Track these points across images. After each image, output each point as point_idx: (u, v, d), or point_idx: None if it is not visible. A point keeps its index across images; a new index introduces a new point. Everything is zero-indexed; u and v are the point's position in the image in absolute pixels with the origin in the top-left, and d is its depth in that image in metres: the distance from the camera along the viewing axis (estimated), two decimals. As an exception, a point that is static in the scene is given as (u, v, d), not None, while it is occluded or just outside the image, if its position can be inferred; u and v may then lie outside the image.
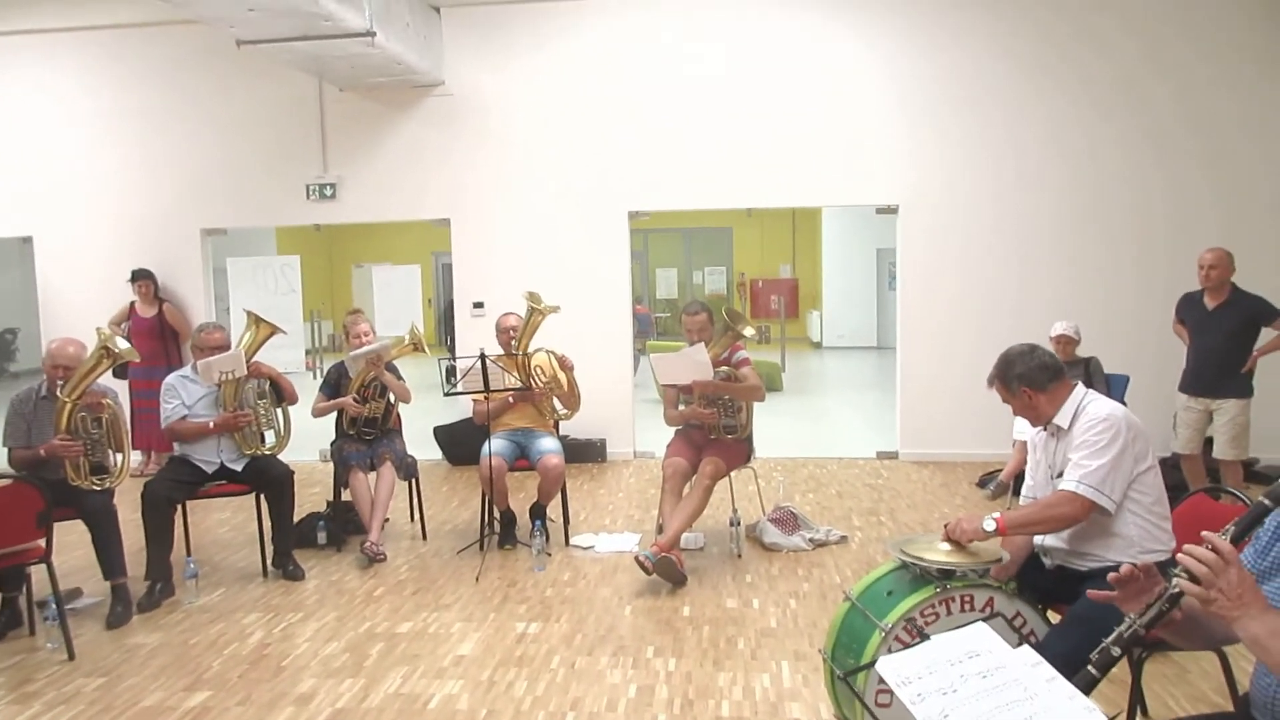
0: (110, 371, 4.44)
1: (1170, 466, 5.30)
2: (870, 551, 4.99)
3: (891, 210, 7.21)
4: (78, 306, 7.50)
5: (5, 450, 4.27)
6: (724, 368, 4.81)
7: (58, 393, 4.18)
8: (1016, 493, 5.70)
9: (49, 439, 4.13)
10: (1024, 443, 5.51)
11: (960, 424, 7.08)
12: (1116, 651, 1.67)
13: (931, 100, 7.02)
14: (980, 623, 1.72)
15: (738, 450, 4.88)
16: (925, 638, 1.67)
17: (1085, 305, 6.71)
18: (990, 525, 2.66)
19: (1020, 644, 1.77)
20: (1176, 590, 1.62)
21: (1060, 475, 2.73)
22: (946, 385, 7.08)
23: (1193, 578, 1.57)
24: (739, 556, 4.90)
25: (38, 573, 3.96)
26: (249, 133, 7.59)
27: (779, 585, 4.48)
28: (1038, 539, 2.84)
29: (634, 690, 3.39)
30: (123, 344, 4.25)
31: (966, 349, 6.98)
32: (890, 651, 2.25)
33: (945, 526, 2.73)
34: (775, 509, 5.29)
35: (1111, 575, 1.74)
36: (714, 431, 4.83)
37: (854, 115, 7.09)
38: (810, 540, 5.07)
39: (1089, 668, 1.67)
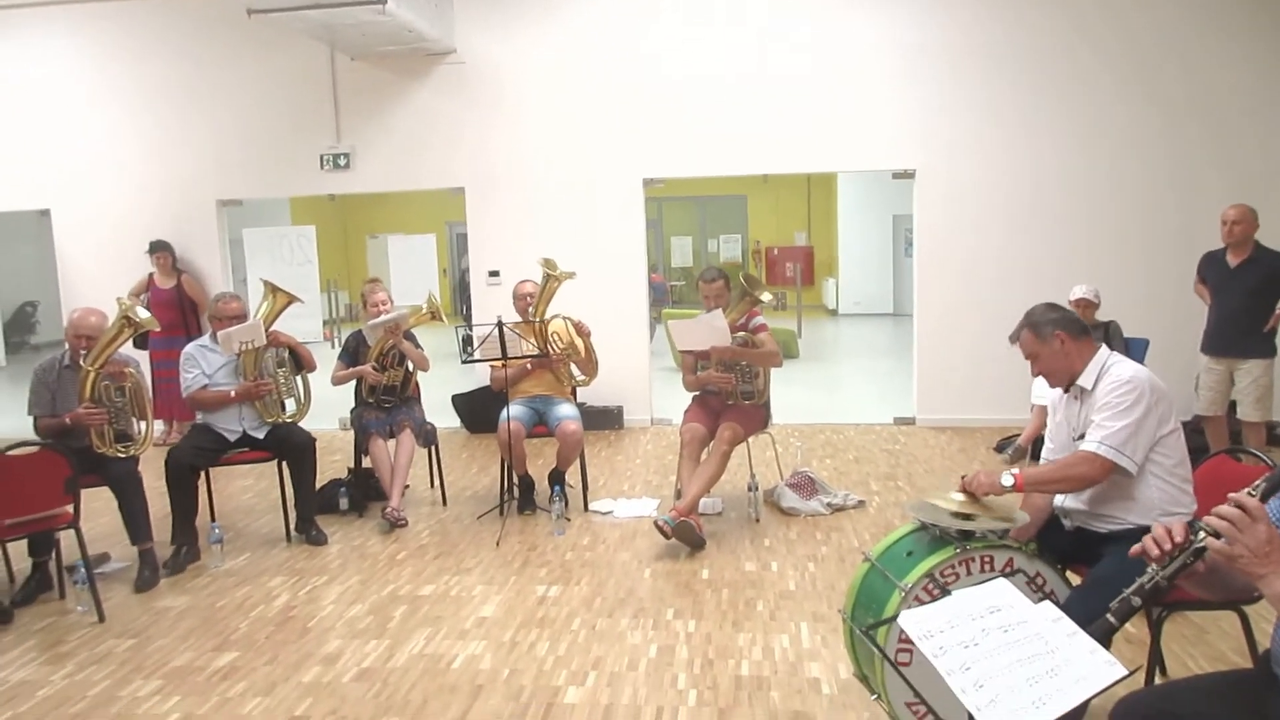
0: (131, 342, 4.49)
1: (1192, 430, 5.27)
2: (888, 515, 5.00)
3: (908, 175, 7.14)
4: (96, 278, 7.56)
5: (31, 420, 4.33)
6: (741, 333, 4.81)
7: (81, 362, 4.23)
8: (1035, 456, 5.72)
9: (73, 408, 4.18)
10: (1043, 407, 5.51)
11: (977, 389, 7.06)
12: (1137, 601, 1.67)
13: (949, 63, 6.92)
14: (1001, 579, 1.73)
15: (755, 416, 4.88)
16: (947, 593, 1.68)
17: (1103, 268, 6.65)
18: (1008, 481, 2.66)
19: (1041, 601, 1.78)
20: (1201, 544, 1.62)
21: (1082, 437, 2.72)
22: (963, 350, 7.05)
23: (1218, 534, 1.57)
24: (757, 521, 4.93)
25: (66, 538, 4.04)
26: (262, 103, 7.58)
27: (797, 549, 4.51)
28: (1057, 500, 2.85)
29: (654, 650, 3.44)
30: (143, 313, 4.29)
31: (983, 313, 6.94)
32: (895, 614, 2.27)
33: (963, 479, 2.74)
34: (793, 474, 5.31)
35: (1134, 549, 1.73)
36: (731, 397, 4.84)
37: (870, 79, 7.00)
38: (828, 505, 5.08)
39: (1108, 615, 1.67)
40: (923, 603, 2.46)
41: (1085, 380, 2.77)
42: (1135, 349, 5.74)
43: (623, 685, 3.18)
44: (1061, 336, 2.78)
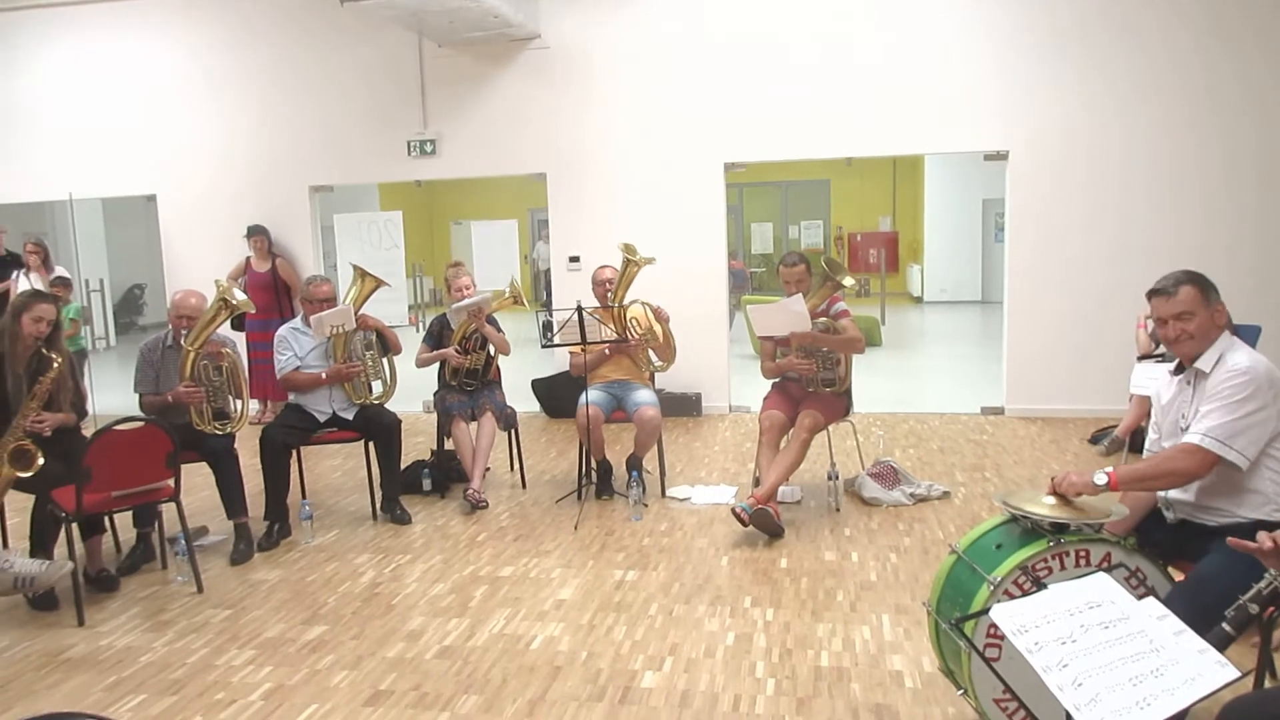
0: (228, 323, 4.66)
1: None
2: (975, 507, 4.86)
3: (1001, 157, 6.90)
4: (198, 262, 7.86)
5: (137, 396, 4.53)
6: (822, 319, 4.71)
7: (182, 342, 4.41)
8: (1134, 449, 5.47)
9: (175, 386, 4.36)
10: (1143, 397, 5.27)
11: (1072, 378, 6.80)
12: (1254, 609, 1.58)
13: (1043, 40, 6.64)
14: (1101, 573, 1.65)
15: (836, 404, 4.79)
16: (1042, 587, 1.61)
17: (1208, 253, 6.30)
18: (1102, 479, 2.52)
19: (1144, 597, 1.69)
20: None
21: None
22: (1057, 338, 6.80)
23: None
24: (837, 510, 4.85)
25: (168, 511, 4.22)
26: (353, 91, 7.75)
27: (879, 539, 4.42)
28: (1160, 492, 2.70)
29: (732, 638, 3.41)
30: (240, 295, 4.45)
31: (1080, 301, 6.69)
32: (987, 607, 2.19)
33: (1052, 479, 2.62)
34: (875, 463, 5.20)
35: (1245, 545, 1.63)
36: (812, 384, 4.75)
37: (960, 57, 6.78)
38: (911, 495, 4.97)
39: (1224, 625, 1.58)
40: (1013, 597, 2.38)
41: (1204, 363, 2.59)
42: (1246, 336, 5.41)
43: (700, 672, 3.17)
44: (1222, 310, 2.61)
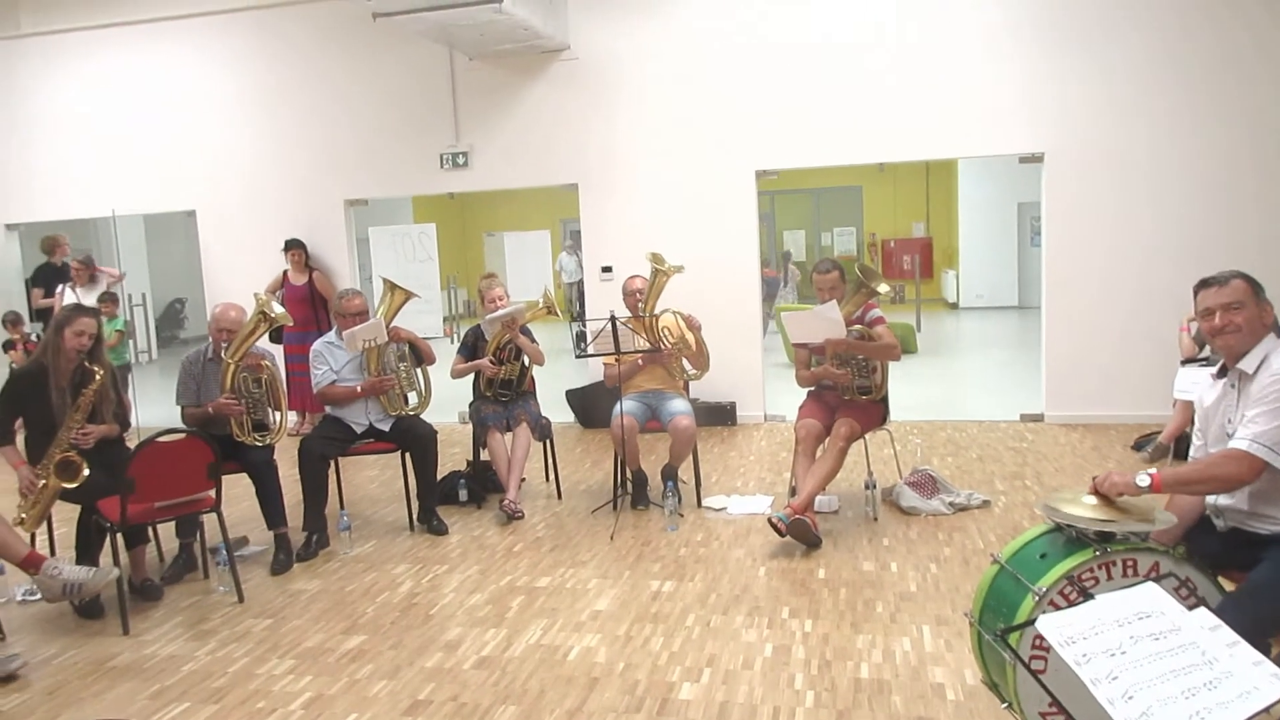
0: (267, 336, 4.72)
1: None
2: (1016, 516, 4.78)
3: (1036, 159, 6.81)
4: (237, 275, 7.99)
5: (179, 408, 4.61)
6: (857, 326, 4.68)
7: (222, 354, 4.47)
8: (1179, 455, 5.36)
9: (216, 398, 4.43)
10: (1187, 402, 5.16)
11: (1113, 384, 6.68)
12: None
13: (1079, 38, 6.54)
14: (1150, 583, 1.61)
15: (872, 412, 4.75)
16: (1089, 597, 1.57)
17: (1250, 254, 6.13)
18: (1144, 481, 2.46)
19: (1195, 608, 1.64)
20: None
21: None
22: (1097, 343, 6.68)
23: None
24: (875, 520, 4.80)
25: (209, 521, 4.28)
26: (386, 105, 7.84)
27: (918, 549, 4.36)
28: (1210, 499, 2.64)
29: (770, 650, 3.38)
30: (278, 308, 4.51)
31: (1120, 304, 6.57)
32: (1033, 619, 2.15)
33: (1094, 479, 2.56)
34: (913, 472, 5.14)
35: None
36: (847, 392, 4.71)
37: (994, 59, 6.70)
38: (950, 504, 4.90)
39: None
40: (1059, 608, 2.33)
41: (1248, 364, 2.53)
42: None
43: (738, 683, 3.14)
44: (1270, 310, 2.56)
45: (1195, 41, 6.36)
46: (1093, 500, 2.52)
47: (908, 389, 7.83)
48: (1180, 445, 5.38)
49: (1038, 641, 2.27)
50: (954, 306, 16.31)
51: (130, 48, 8.29)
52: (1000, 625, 2.47)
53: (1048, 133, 6.67)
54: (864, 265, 4.88)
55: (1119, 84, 6.51)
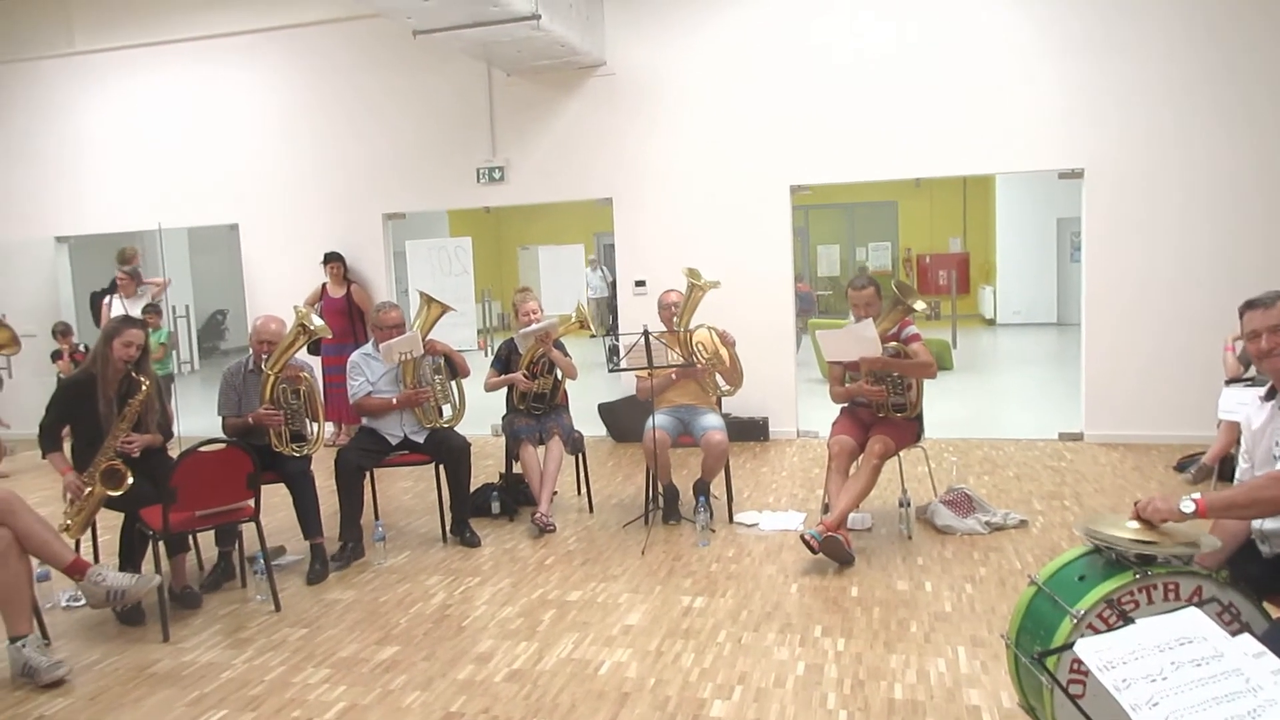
0: (305, 348, 4.80)
1: None
2: (1054, 537, 4.71)
3: (1076, 174, 6.73)
4: (277, 288, 8.13)
5: (220, 419, 4.69)
6: (893, 343, 4.64)
7: (263, 366, 4.55)
8: (1223, 477, 5.25)
9: (256, 408, 4.50)
10: (1232, 423, 5.06)
11: (1155, 403, 6.56)
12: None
13: (1119, 50, 6.47)
14: (1192, 607, 1.58)
15: (907, 429, 4.71)
16: (1129, 621, 1.55)
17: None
18: (1189, 506, 2.41)
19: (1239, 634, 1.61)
20: None
21: (1285, 456, 2.46)
22: (1138, 361, 6.58)
23: None
24: (909, 538, 4.75)
25: (248, 530, 4.35)
26: (425, 121, 7.96)
27: (953, 569, 4.31)
28: (1255, 523, 2.58)
29: (802, 668, 3.36)
30: (317, 321, 4.58)
31: (1161, 322, 6.47)
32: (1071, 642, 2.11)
33: (1135, 504, 2.52)
34: (948, 490, 5.09)
35: None
36: (882, 410, 4.68)
37: (1032, 71, 6.65)
38: (986, 523, 4.84)
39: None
40: (1098, 631, 2.30)
41: None
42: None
43: (770, 701, 3.12)
44: None
45: (1234, 58, 6.27)
46: (1135, 525, 2.48)
47: (943, 406, 7.75)
48: (1225, 467, 5.27)
49: (1076, 665, 2.23)
50: (991, 323, 16.13)
51: (177, 65, 8.50)
52: (1037, 648, 2.43)
53: (1088, 148, 6.60)
54: (900, 281, 4.85)
55: (1159, 99, 6.44)
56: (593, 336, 11.60)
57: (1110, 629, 2.29)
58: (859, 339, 4.52)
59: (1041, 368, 11.02)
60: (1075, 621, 2.33)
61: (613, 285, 10.87)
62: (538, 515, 5.12)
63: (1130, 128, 6.50)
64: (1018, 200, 15.56)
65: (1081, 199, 6.75)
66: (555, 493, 5.38)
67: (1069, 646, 1.57)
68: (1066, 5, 6.56)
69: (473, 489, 5.28)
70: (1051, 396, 8.62)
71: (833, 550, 4.29)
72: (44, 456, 4.20)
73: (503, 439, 5.61)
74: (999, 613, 3.74)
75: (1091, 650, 1.49)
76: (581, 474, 5.77)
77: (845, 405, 4.89)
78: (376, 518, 5.13)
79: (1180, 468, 5.82)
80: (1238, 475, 2.77)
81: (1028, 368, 11.23)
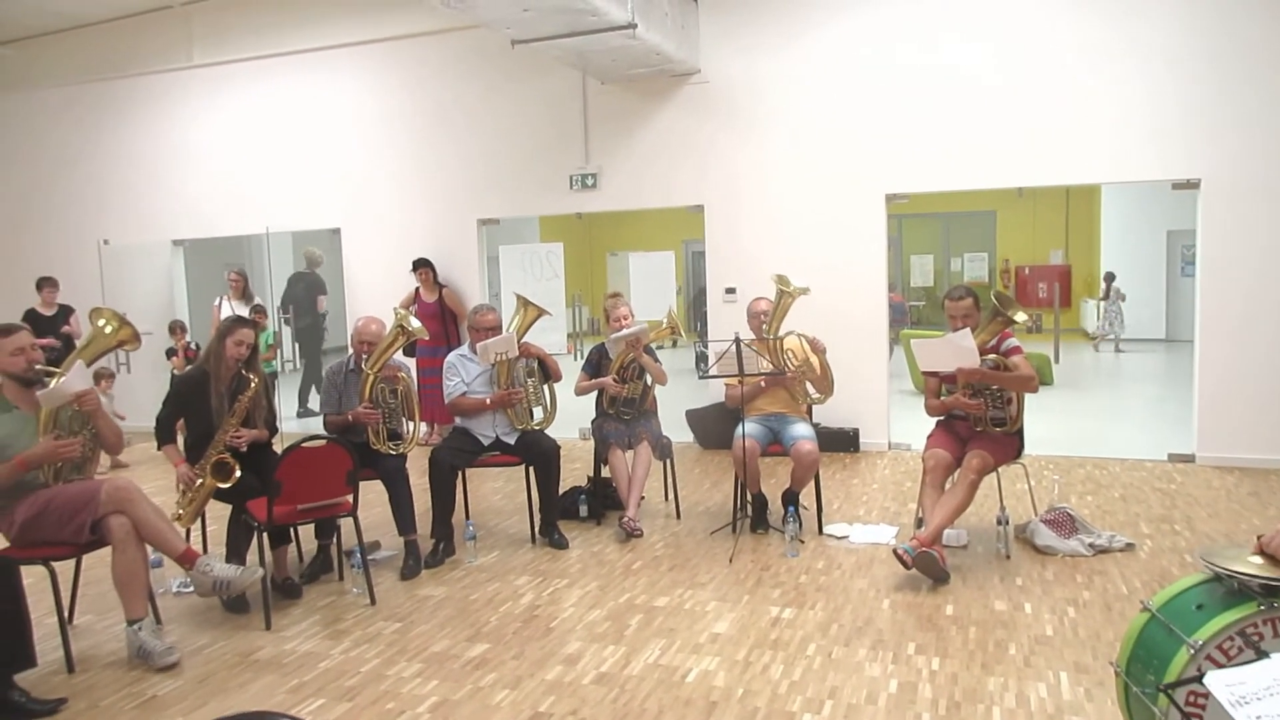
0: (400, 350, 4.93)
1: None
2: (1163, 562, 4.49)
3: (1191, 185, 6.42)
4: (376, 291, 8.37)
5: (322, 415, 4.85)
6: (992, 355, 4.50)
7: (363, 365, 4.69)
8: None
9: (355, 407, 4.64)
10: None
11: (1273, 425, 6.20)
12: None
13: (1239, 56, 6.14)
14: (1335, 645, 1.48)
15: (1006, 445, 4.55)
16: (1262, 654, 1.46)
17: None
18: None
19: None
20: None
21: None
22: (1257, 381, 6.23)
23: None
24: (1007, 558, 4.59)
25: (345, 525, 4.48)
26: (520, 128, 8.09)
27: (1054, 591, 4.14)
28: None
29: (895, 686, 3.27)
30: (415, 323, 4.70)
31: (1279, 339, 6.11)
32: (1201, 672, 2.00)
33: (1259, 539, 2.37)
34: (1049, 509, 4.90)
35: None
36: (980, 424, 4.54)
37: (1147, 77, 6.36)
38: (1090, 545, 4.64)
39: None
40: (1217, 664, 2.18)
41: None
42: None
43: (860, 718, 3.05)
44: None
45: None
46: (1259, 560, 2.33)
47: (1043, 422, 7.47)
48: (1354, 494, 4.94)
49: (1191, 698, 2.12)
50: (1094, 338, 15.51)
51: (284, 77, 8.84)
52: (1150, 677, 2.32)
53: (1204, 158, 6.28)
54: (1000, 293, 4.69)
55: (1278, 110, 6.09)
56: (675, 345, 11.58)
57: (1231, 661, 2.17)
58: (956, 349, 4.39)
59: (1149, 385, 10.55)
60: (1193, 652, 2.22)
61: (701, 292, 10.85)
62: (625, 519, 5.14)
63: (1250, 138, 6.16)
64: (1125, 211, 14.94)
65: (1197, 211, 6.43)
66: (643, 498, 5.38)
67: (1198, 678, 1.48)
68: (1182, 7, 6.26)
69: (561, 491, 5.33)
70: (1161, 415, 8.24)
71: (927, 566, 4.18)
72: (159, 448, 4.41)
73: (591, 443, 5.65)
74: (1104, 639, 3.58)
75: (1222, 684, 1.41)
76: (669, 480, 5.76)
77: (941, 418, 4.76)
78: (467, 517, 5.22)
79: (1303, 494, 5.49)
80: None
81: (1134, 385, 10.76)
